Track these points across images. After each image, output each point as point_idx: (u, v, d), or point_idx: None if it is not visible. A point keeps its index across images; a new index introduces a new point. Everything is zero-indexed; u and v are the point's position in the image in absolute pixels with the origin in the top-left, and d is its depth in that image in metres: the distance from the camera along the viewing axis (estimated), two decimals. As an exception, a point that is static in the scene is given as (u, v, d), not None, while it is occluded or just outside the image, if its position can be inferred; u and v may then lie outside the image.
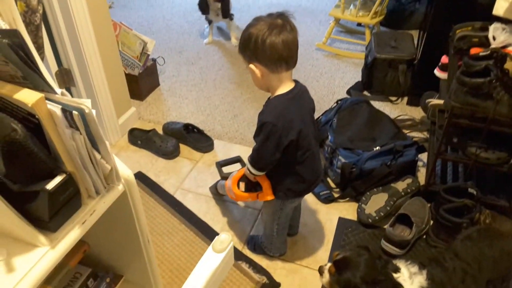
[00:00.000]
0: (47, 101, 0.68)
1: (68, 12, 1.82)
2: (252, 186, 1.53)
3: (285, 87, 1.32)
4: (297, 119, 1.33)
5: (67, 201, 0.77)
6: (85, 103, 0.68)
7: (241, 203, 1.98)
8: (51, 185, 0.72)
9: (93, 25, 1.94)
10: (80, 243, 1.06)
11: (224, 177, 1.88)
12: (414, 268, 1.23)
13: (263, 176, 1.46)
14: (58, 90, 0.72)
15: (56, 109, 0.68)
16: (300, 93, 1.35)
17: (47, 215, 0.74)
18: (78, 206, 0.80)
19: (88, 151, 0.75)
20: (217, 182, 1.97)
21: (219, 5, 3.08)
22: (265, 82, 1.32)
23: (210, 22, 3.26)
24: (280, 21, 1.23)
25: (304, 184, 1.48)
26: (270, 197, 1.48)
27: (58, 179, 0.73)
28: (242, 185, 1.56)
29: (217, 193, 1.99)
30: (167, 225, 1.88)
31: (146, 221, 1.01)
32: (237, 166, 1.99)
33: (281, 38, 1.21)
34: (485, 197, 1.77)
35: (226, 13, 3.14)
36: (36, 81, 0.69)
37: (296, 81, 1.36)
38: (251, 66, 1.28)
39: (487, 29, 1.79)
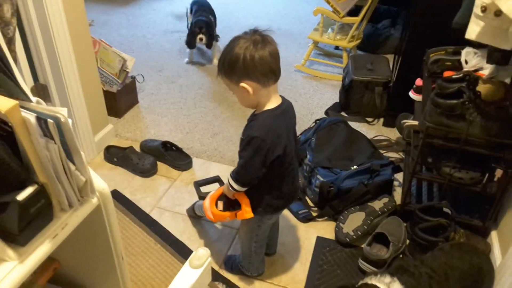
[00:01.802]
0: (21, 109, 0.66)
1: (46, 26, 1.80)
2: (230, 205, 1.51)
3: (273, 102, 1.34)
4: (284, 134, 1.35)
5: (38, 214, 0.74)
6: (61, 111, 0.67)
7: (218, 223, 1.95)
8: (22, 196, 0.70)
9: (72, 40, 1.93)
10: (51, 260, 1.02)
11: (202, 197, 1.86)
12: (387, 278, 1.23)
13: (242, 193, 1.45)
14: (34, 98, 0.70)
15: (31, 117, 0.66)
16: (287, 109, 1.38)
17: (16, 228, 0.71)
18: (49, 219, 0.78)
19: (62, 162, 0.73)
20: (195, 203, 1.93)
21: (204, 39, 3.11)
22: (256, 98, 1.32)
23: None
24: (259, 36, 1.26)
25: (283, 200, 1.48)
26: (249, 215, 1.46)
27: (29, 190, 0.71)
28: (220, 204, 1.54)
29: (195, 215, 1.95)
30: (142, 245, 1.83)
31: (120, 237, 0.98)
32: (216, 185, 1.96)
33: (267, 51, 1.24)
34: (459, 216, 1.81)
35: (210, 46, 3.19)
36: (11, 89, 0.68)
37: (282, 97, 1.38)
38: (243, 84, 1.27)
39: (459, 53, 1.86)
